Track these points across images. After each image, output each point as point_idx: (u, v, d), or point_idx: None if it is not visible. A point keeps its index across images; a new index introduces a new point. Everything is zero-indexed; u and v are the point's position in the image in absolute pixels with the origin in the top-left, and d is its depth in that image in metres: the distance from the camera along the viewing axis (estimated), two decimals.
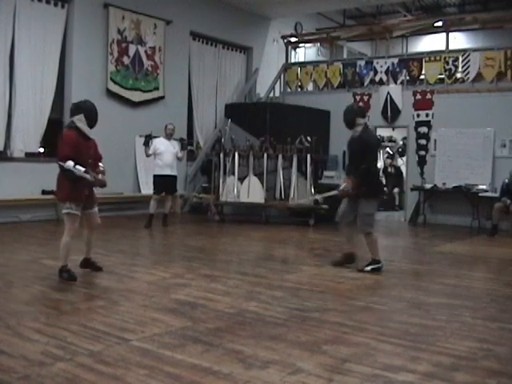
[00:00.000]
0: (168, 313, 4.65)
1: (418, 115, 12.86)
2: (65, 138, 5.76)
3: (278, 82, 15.22)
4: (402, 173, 16.85)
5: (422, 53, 13.66)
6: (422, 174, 12.78)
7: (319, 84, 14.60)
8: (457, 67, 12.57)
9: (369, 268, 6.70)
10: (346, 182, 6.81)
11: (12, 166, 10.43)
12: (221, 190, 11.60)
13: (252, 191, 11.45)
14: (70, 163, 5.54)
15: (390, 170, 17.10)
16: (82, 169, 5.62)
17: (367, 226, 6.75)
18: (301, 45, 16.81)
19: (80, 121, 5.77)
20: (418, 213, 12.69)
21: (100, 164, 6.24)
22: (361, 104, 13.39)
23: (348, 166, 7.09)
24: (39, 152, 11.15)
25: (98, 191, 6.31)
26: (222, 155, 11.62)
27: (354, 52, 18.23)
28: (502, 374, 3.51)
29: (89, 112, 5.89)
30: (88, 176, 5.65)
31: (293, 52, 16.48)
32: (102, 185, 6.08)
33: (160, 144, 10.13)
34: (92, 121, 5.95)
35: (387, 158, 17.81)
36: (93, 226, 6.14)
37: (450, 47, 13.06)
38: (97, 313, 4.58)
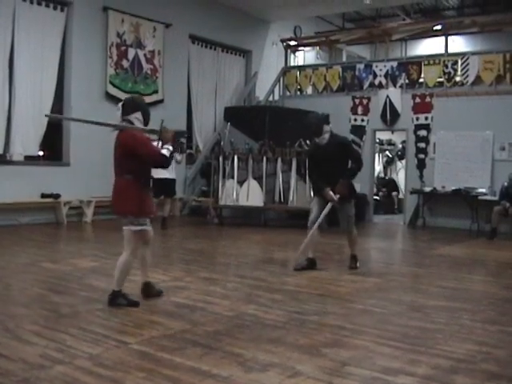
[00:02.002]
0: (167, 316, 4.65)
1: (417, 118, 12.87)
2: (139, 139, 4.86)
3: (277, 86, 15.23)
4: (395, 181, 16.96)
5: (421, 56, 13.68)
6: (421, 177, 12.78)
7: (318, 87, 14.61)
8: (456, 70, 12.58)
9: (358, 264, 7.08)
10: (329, 191, 6.66)
11: (11, 170, 10.43)
12: (220, 193, 11.59)
13: (251, 194, 11.45)
14: (165, 152, 4.87)
15: (385, 177, 17.25)
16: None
17: (352, 225, 7.01)
18: (300, 48, 16.85)
19: (137, 119, 4.98)
20: (417, 216, 12.70)
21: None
22: (360, 107, 13.46)
23: (325, 175, 6.74)
24: (38, 155, 11.15)
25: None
26: (221, 158, 11.62)
27: (353, 55, 18.24)
28: (500, 376, 3.52)
29: (145, 109, 5.11)
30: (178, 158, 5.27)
31: (292, 55, 16.51)
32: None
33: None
34: (148, 118, 5.11)
35: (386, 161, 17.85)
36: (149, 240, 5.30)
37: (449, 50, 13.08)
38: (96, 316, 4.58)
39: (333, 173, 6.66)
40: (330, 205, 6.73)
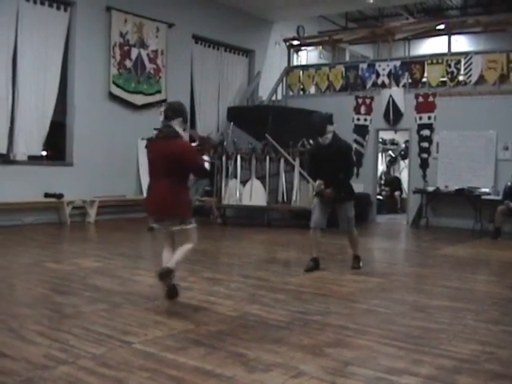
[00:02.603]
0: (170, 316, 4.65)
1: (421, 118, 12.86)
2: (186, 145, 5.14)
3: (280, 85, 15.22)
4: (400, 180, 16.95)
5: (425, 55, 13.65)
6: (424, 176, 12.77)
7: (321, 87, 14.60)
8: (459, 70, 12.56)
9: (361, 264, 7.11)
10: (321, 185, 6.79)
11: (15, 169, 10.45)
12: (223, 193, 11.61)
13: (254, 194, 11.46)
14: (207, 165, 5.24)
15: (389, 176, 17.23)
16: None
17: (353, 225, 7.06)
18: (303, 48, 16.83)
19: (178, 125, 5.13)
20: (420, 216, 12.67)
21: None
22: (363, 107, 13.45)
23: (324, 175, 6.83)
24: (42, 155, 11.17)
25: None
26: (224, 158, 11.63)
27: (356, 55, 18.23)
28: (504, 376, 3.51)
29: (186, 115, 5.31)
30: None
31: (295, 55, 16.48)
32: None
33: None
34: (187, 123, 5.41)
35: (389, 161, 17.84)
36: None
37: (452, 50, 13.05)
38: (99, 316, 4.59)
39: (331, 173, 6.74)
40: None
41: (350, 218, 6.96)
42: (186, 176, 5.16)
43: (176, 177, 4.99)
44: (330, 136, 6.75)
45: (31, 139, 10.82)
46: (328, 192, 6.73)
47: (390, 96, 13.19)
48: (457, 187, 11.90)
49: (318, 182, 6.83)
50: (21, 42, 10.55)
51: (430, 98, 12.73)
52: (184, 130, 5.21)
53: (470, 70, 12.36)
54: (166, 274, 4.91)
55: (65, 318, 4.54)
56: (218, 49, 14.81)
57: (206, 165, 5.13)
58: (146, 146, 5.45)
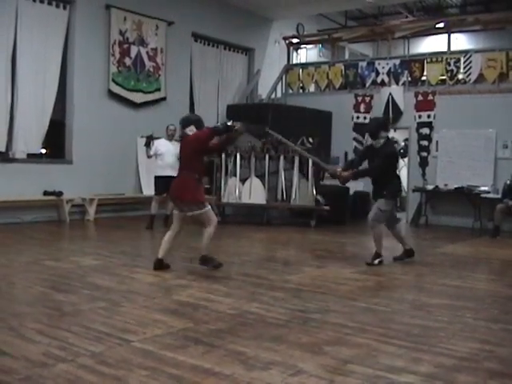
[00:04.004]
0: (169, 314, 4.65)
1: (420, 116, 12.86)
2: (196, 134, 6.39)
3: (280, 83, 15.22)
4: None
5: (424, 54, 13.65)
6: (423, 175, 12.78)
7: (321, 85, 14.60)
8: (458, 68, 12.56)
9: (376, 261, 7.20)
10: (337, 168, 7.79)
11: (14, 167, 10.44)
12: (222, 191, 11.60)
13: (253, 192, 11.45)
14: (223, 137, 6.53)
15: None
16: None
17: (376, 221, 7.22)
18: (302, 46, 16.83)
19: (192, 131, 6.41)
20: (419, 214, 12.68)
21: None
22: (363, 105, 13.44)
23: (356, 165, 7.55)
24: (41, 153, 11.17)
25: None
26: (223, 156, 11.62)
27: (355, 53, 18.23)
28: (503, 375, 3.51)
29: (198, 122, 6.52)
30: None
31: (294, 53, 16.49)
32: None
33: (161, 145, 10.14)
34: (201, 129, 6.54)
35: None
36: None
37: (452, 48, 13.05)
38: (98, 314, 4.58)
39: (361, 166, 7.53)
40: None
41: (376, 213, 7.17)
42: (197, 167, 6.33)
43: (188, 168, 6.30)
44: (382, 141, 7.21)
45: (30, 137, 10.81)
46: (343, 175, 7.28)
47: (390, 94, 13.19)
48: (456, 186, 11.91)
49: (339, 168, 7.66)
50: (20, 40, 10.54)
51: (430, 97, 12.73)
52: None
53: (470, 68, 12.36)
54: (204, 263, 6.36)
55: (64, 316, 4.54)
56: (217, 47, 14.79)
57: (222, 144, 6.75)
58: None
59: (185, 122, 6.53)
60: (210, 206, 6.43)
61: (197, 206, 6.25)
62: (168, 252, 6.56)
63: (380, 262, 7.18)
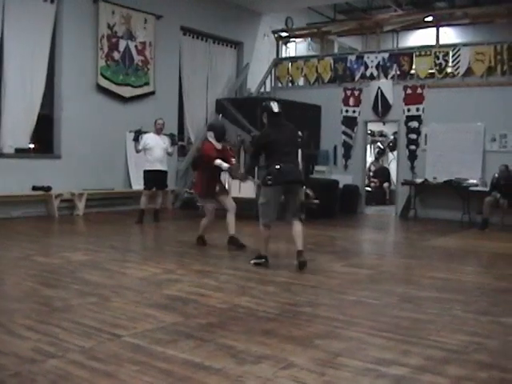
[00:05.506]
0: (160, 308, 4.64)
1: (409, 110, 12.89)
2: (205, 147, 7.66)
3: (269, 77, 15.20)
4: (388, 171, 17.01)
5: (413, 47, 13.68)
6: (412, 168, 12.82)
7: (310, 79, 14.60)
8: (447, 62, 12.60)
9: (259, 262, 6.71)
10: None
11: (2, 163, 10.36)
12: None
13: (243, 186, 11.43)
14: (217, 161, 7.39)
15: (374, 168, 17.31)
16: (225, 164, 7.43)
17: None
18: (291, 40, 16.78)
19: (210, 137, 7.66)
20: (408, 207, 12.73)
21: (232, 159, 7.78)
22: (352, 99, 13.46)
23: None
24: (29, 148, 11.08)
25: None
26: None
27: (344, 47, 18.22)
28: (492, 366, 3.54)
29: (217, 130, 7.66)
30: (226, 166, 7.43)
31: (283, 47, 16.46)
32: (236, 171, 7.94)
33: (150, 139, 10.11)
34: (218, 137, 7.67)
35: (377, 153, 17.88)
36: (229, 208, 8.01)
37: (441, 42, 13.07)
38: (88, 309, 4.57)
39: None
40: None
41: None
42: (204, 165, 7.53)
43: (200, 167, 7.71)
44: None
45: (18, 132, 10.73)
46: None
47: (379, 88, 13.21)
48: (445, 179, 11.95)
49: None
50: (7, 34, 10.44)
51: (419, 90, 12.76)
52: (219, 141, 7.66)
53: (458, 62, 12.40)
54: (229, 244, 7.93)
55: (54, 311, 4.52)
56: (206, 40, 14.74)
57: (217, 161, 7.41)
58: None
59: (207, 127, 7.81)
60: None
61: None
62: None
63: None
